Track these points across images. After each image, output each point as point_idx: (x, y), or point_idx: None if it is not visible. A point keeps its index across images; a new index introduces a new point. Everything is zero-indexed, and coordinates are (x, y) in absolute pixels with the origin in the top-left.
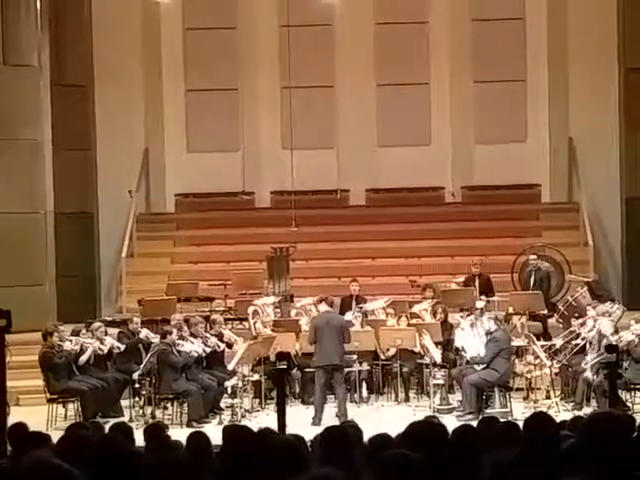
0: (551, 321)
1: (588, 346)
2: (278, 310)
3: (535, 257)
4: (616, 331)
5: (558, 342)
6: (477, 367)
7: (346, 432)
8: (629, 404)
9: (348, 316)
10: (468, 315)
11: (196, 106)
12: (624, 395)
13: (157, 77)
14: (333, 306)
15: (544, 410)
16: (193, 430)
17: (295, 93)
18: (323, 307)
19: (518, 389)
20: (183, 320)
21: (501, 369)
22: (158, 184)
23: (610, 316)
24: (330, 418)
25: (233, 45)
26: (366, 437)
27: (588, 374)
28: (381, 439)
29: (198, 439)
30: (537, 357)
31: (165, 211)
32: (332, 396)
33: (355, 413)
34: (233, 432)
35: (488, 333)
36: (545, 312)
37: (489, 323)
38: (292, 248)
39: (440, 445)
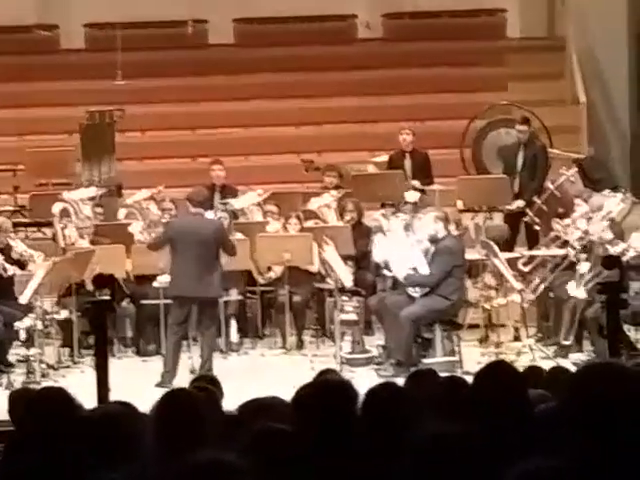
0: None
1: (576, 259)
2: (100, 209)
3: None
4: (621, 235)
5: (527, 253)
6: (414, 293)
7: (194, 398)
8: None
9: (209, 216)
10: (394, 213)
11: None
12: (632, 333)
13: None
14: (203, 205)
15: (509, 358)
16: None
17: None
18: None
19: (472, 327)
20: None
21: (453, 295)
22: None
23: (610, 212)
24: (183, 375)
25: None
26: (233, 403)
27: (579, 292)
28: (253, 406)
29: None
30: (501, 277)
31: None
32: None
33: (221, 367)
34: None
35: (434, 240)
36: (511, 207)
37: (435, 225)
38: (119, 112)
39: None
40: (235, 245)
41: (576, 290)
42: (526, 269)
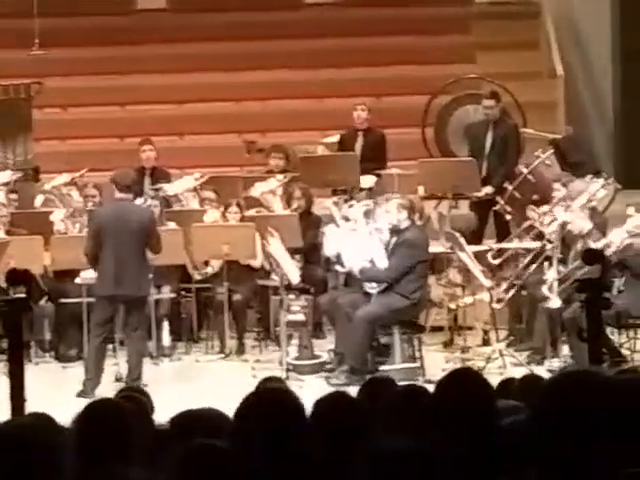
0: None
1: (552, 252)
2: (14, 196)
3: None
4: (604, 226)
5: (497, 246)
6: (370, 289)
7: (120, 409)
8: (625, 351)
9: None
10: (346, 200)
11: None
12: (616, 337)
13: None
14: (132, 190)
15: (477, 365)
16: None
17: None
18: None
19: (435, 329)
20: None
21: (414, 294)
22: None
23: (591, 200)
24: (108, 383)
25: None
26: (164, 415)
27: (552, 301)
28: (187, 418)
29: None
30: (468, 273)
31: None
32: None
33: (151, 374)
34: None
35: (395, 231)
36: (479, 194)
37: (399, 214)
38: (36, 85)
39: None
40: (161, 242)
41: (551, 301)
42: (495, 262)
